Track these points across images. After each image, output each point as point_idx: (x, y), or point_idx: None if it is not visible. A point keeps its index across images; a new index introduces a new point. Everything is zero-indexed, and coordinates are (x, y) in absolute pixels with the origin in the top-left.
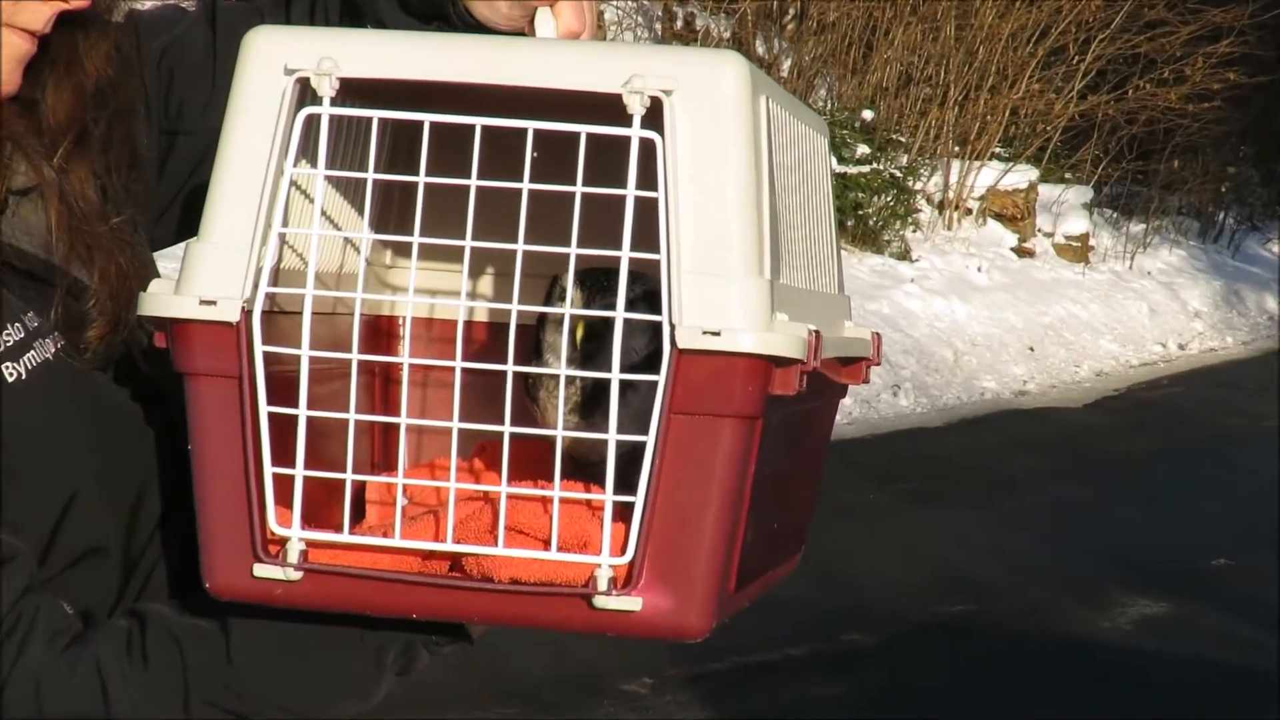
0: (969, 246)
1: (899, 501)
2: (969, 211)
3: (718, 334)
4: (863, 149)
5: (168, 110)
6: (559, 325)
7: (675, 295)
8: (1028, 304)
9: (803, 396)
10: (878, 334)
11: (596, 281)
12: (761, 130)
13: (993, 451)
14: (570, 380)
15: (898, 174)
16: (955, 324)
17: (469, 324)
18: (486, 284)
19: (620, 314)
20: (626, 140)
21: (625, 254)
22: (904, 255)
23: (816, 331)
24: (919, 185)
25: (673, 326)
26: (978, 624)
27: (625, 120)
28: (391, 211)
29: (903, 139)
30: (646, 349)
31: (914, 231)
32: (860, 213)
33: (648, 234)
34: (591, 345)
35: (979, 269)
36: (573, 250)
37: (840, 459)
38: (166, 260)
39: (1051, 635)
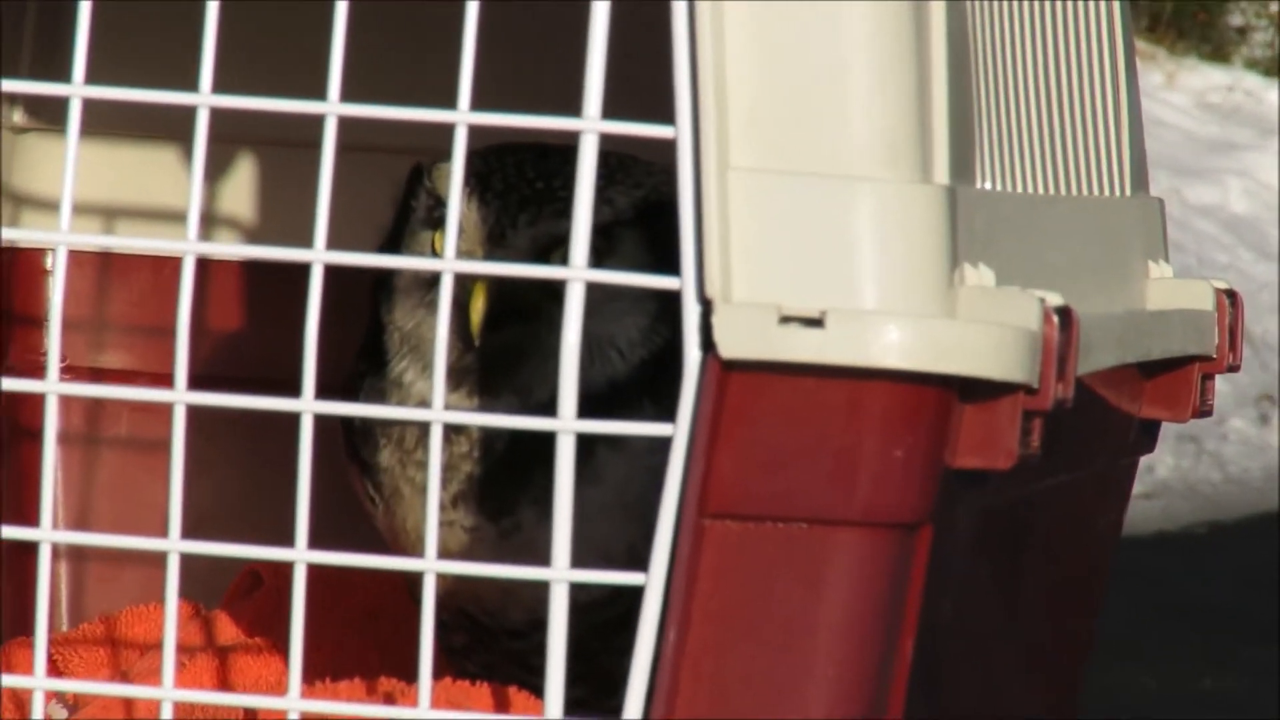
0: None
1: None
2: None
3: (816, 322)
4: None
5: None
6: (421, 289)
7: (712, 227)
8: None
9: (1037, 466)
10: (1229, 292)
11: (519, 177)
12: None
13: None
14: (458, 432)
15: None
16: None
17: (207, 278)
18: (251, 185)
19: (580, 270)
20: None
21: (591, 123)
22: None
23: (1066, 309)
24: None
25: (706, 303)
26: None
27: None
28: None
29: None
30: (640, 351)
31: None
32: None
33: (648, 89)
34: (505, 340)
35: None
36: (462, 94)
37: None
38: None
39: None
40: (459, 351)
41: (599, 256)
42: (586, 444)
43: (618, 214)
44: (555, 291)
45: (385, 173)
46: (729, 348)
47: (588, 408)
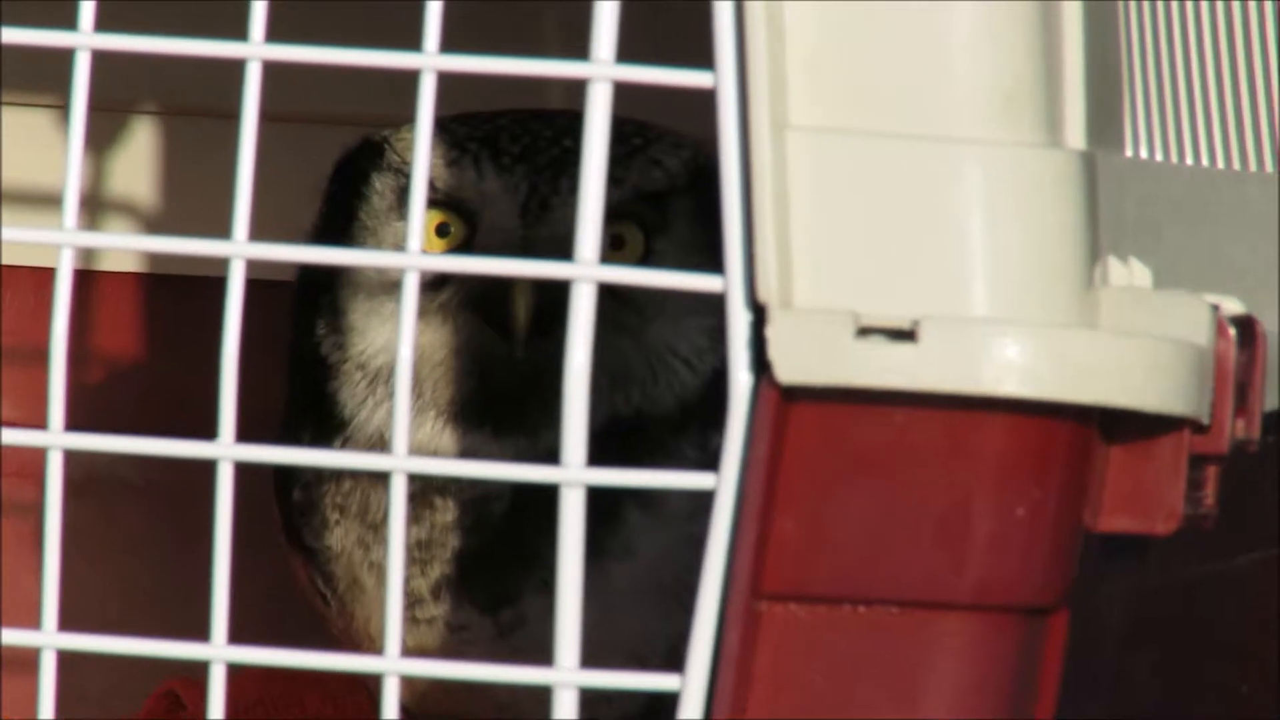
0: None
1: None
2: None
3: (907, 335)
4: None
5: None
6: (381, 295)
7: (765, 206)
8: None
9: (1218, 534)
10: None
11: (540, 135)
12: None
13: None
14: (441, 494)
15: None
16: None
17: (93, 290)
18: (151, 162)
19: (589, 267)
20: None
21: (603, 68)
22: None
23: (1248, 320)
24: None
25: (758, 311)
26: None
27: None
28: None
29: None
30: (711, 360)
31: None
32: None
33: (675, 34)
34: (551, 352)
35: None
36: (429, 32)
37: None
38: None
39: None
40: (473, 377)
41: (651, 235)
42: (611, 503)
43: (671, 178)
44: (616, 288)
45: (325, 152)
46: (789, 370)
47: (651, 442)
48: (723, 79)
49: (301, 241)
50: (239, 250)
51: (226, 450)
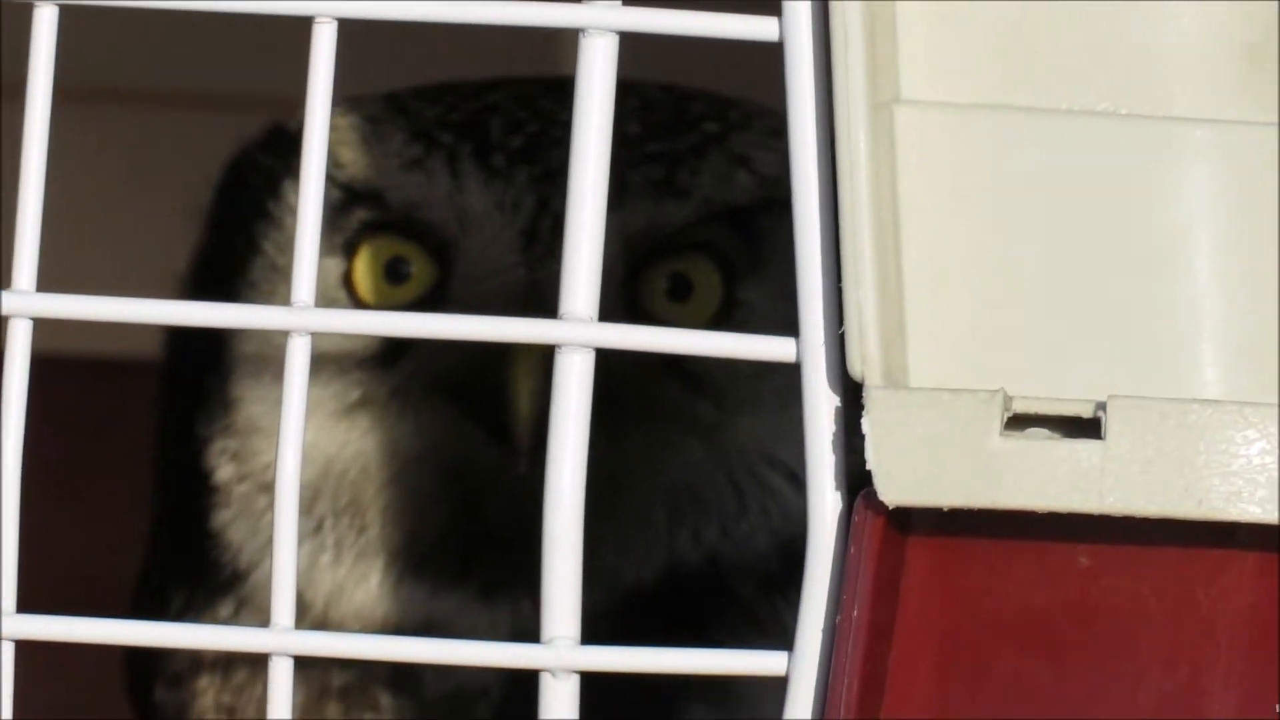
0: None
1: None
2: None
3: (1089, 428)
4: None
5: None
6: (344, 374)
7: (862, 223)
8: None
9: None
10: None
11: (552, 118)
12: None
13: None
14: (389, 683)
15: None
16: None
17: None
18: None
19: (577, 325)
20: None
21: (602, 10)
22: None
23: None
24: None
25: (851, 390)
26: None
27: None
28: None
29: None
30: (794, 507)
31: None
32: None
33: None
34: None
35: None
36: None
37: None
38: None
39: None
40: (448, 503)
41: (734, 277)
42: (666, 699)
43: (766, 186)
44: (679, 361)
45: (207, 145)
46: (900, 484)
47: (732, 604)
48: (792, 24)
49: (173, 288)
50: (20, 306)
51: (10, 627)
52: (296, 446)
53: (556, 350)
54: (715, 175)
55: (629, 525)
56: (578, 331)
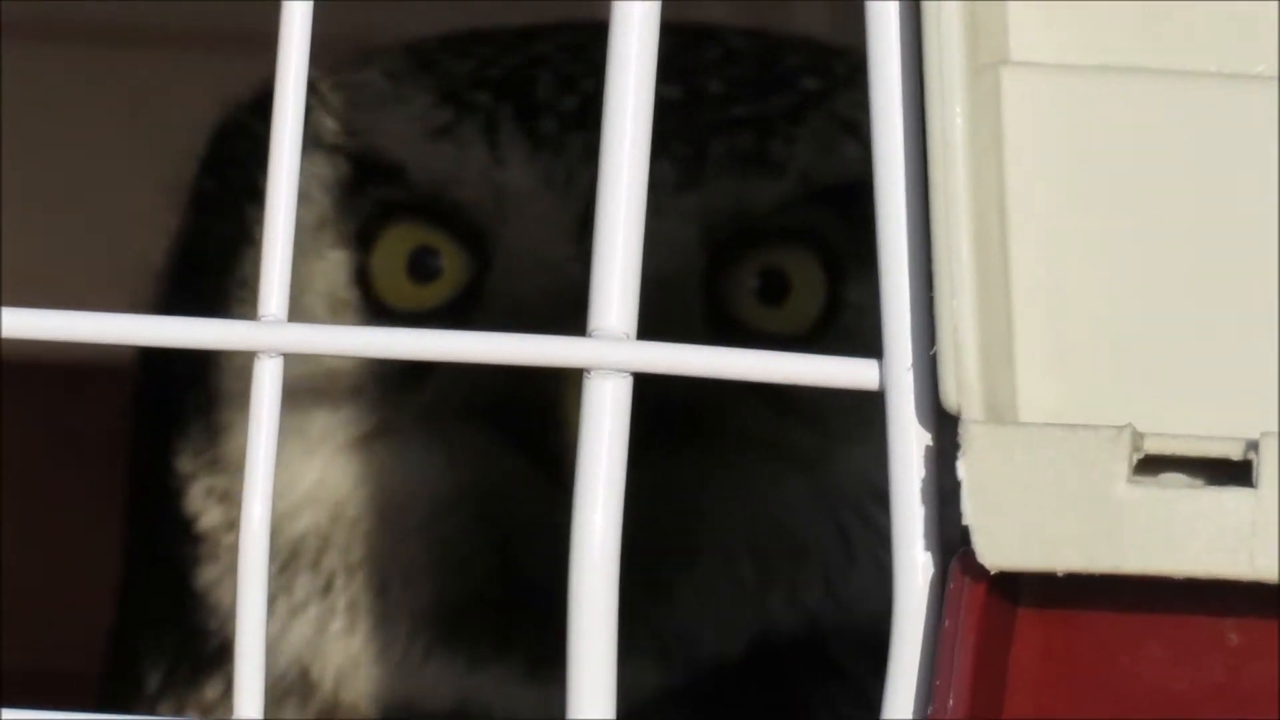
0: None
1: None
2: None
3: (1239, 471)
4: None
5: None
6: (307, 399)
7: (958, 220)
8: None
9: None
10: None
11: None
12: None
13: None
14: None
15: None
16: None
17: None
18: None
19: (607, 343)
20: None
21: None
22: None
23: None
24: None
25: (945, 423)
26: None
27: None
28: None
29: None
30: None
31: None
32: None
33: None
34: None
35: None
36: None
37: None
38: None
39: None
40: (486, 555)
41: (840, 274)
42: None
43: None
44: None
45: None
46: (1003, 545)
47: (837, 676)
48: None
49: (145, 293)
50: None
51: None
52: (266, 495)
53: (585, 375)
54: (816, 145)
55: (709, 582)
56: (609, 351)
